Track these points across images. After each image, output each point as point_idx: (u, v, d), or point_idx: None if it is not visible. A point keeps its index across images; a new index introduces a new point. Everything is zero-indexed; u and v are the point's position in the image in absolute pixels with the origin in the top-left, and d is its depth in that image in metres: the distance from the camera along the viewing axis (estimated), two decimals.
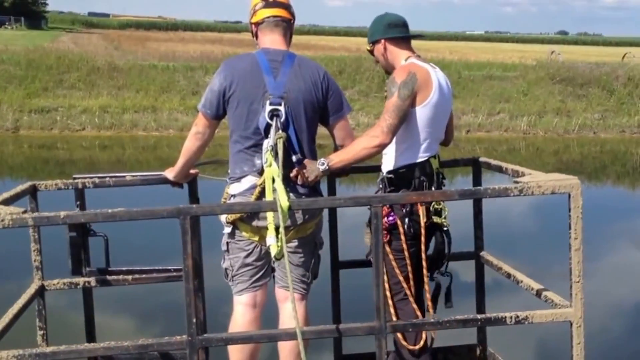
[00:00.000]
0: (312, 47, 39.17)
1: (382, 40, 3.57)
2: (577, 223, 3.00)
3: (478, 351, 4.12)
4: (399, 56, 3.57)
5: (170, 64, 22.34)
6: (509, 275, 3.66)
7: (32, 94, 19.28)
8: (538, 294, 3.35)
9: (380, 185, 3.57)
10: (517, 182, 3.06)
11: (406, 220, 3.43)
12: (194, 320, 2.83)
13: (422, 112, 3.43)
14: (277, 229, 3.04)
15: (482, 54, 37.66)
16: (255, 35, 3.61)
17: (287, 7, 3.58)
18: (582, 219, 3.01)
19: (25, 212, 2.81)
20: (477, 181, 3.97)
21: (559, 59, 28.04)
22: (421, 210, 3.44)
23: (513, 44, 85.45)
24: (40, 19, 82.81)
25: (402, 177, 3.48)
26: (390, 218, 3.43)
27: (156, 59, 24.28)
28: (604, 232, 9.03)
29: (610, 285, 7.22)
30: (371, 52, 3.71)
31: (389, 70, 3.65)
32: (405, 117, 3.37)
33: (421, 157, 3.48)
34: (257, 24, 3.56)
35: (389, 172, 3.51)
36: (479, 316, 3.51)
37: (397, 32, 3.60)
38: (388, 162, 3.53)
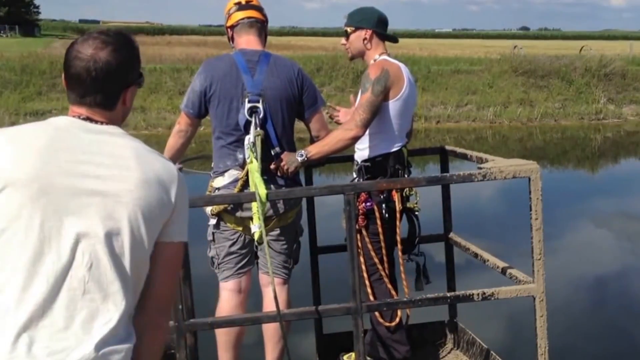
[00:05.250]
0: (291, 47, 39.04)
1: (370, 31, 3.54)
2: (537, 204, 3.02)
3: (449, 326, 4.14)
4: (376, 50, 3.56)
5: (157, 66, 22.15)
6: (476, 255, 3.68)
7: (26, 98, 19.07)
8: (503, 271, 3.37)
9: (357, 174, 3.57)
10: (480, 168, 3.07)
11: (383, 205, 3.45)
12: (180, 306, 2.81)
13: (395, 106, 3.44)
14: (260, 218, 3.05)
15: (450, 50, 37.77)
16: (232, 39, 3.59)
17: (259, 9, 3.57)
18: (541, 201, 3.03)
19: None
20: (444, 168, 3.99)
21: (522, 53, 28.11)
22: (397, 197, 3.46)
23: (479, 40, 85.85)
24: (34, 26, 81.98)
25: (378, 166, 3.49)
26: (368, 204, 3.45)
27: (144, 62, 23.69)
28: (566, 213, 9.10)
29: (571, 261, 7.28)
30: (347, 33, 3.59)
31: (356, 55, 3.63)
32: (378, 111, 3.38)
33: (395, 146, 3.50)
34: (233, 27, 3.55)
35: (365, 161, 3.52)
36: (448, 294, 3.53)
37: (384, 29, 3.60)
38: (364, 151, 3.54)
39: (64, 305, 1.56)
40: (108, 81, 1.73)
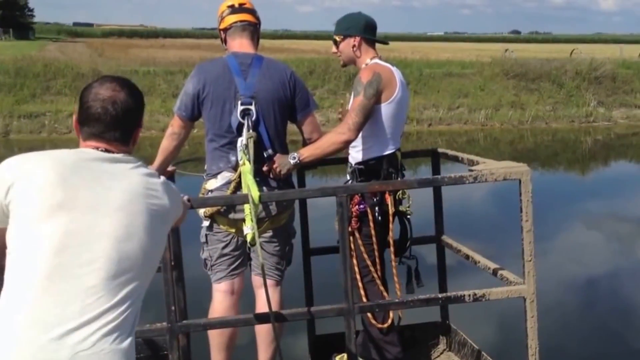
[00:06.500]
0: (284, 50, 38.99)
1: (358, 37, 3.54)
2: (527, 206, 3.03)
3: (441, 328, 4.15)
4: (367, 55, 3.56)
5: (151, 69, 22.10)
6: (467, 257, 3.69)
7: (20, 101, 19.00)
8: (494, 273, 3.38)
9: (351, 176, 3.57)
10: (472, 171, 3.08)
11: (376, 208, 3.45)
12: (173, 308, 2.81)
13: (388, 109, 3.44)
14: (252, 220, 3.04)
15: (442, 53, 37.79)
16: (225, 41, 3.60)
17: (252, 12, 3.57)
18: (532, 203, 3.04)
19: None
20: (435, 170, 3.99)
21: (513, 56, 28.21)
22: (389, 200, 3.46)
23: (470, 44, 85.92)
24: (28, 30, 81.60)
25: (371, 169, 3.49)
26: (361, 206, 3.45)
27: (138, 65, 23.94)
28: (556, 215, 9.13)
29: (561, 263, 7.30)
30: (337, 41, 3.60)
31: (348, 62, 3.64)
32: (370, 114, 3.39)
33: (388, 150, 3.50)
34: (226, 30, 3.55)
35: (358, 164, 3.52)
36: (440, 295, 3.53)
37: (372, 34, 3.59)
38: (357, 154, 3.53)
39: (81, 298, 1.72)
40: (126, 119, 1.95)
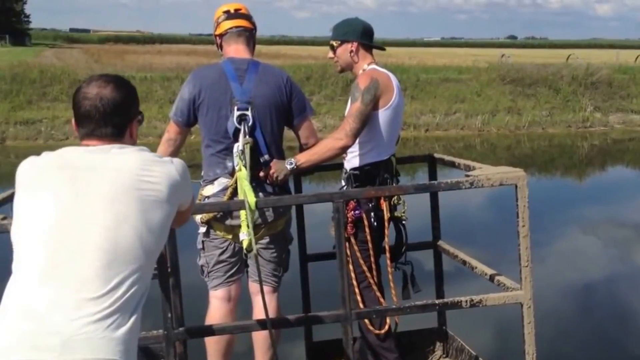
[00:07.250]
0: (281, 56, 38.98)
1: (355, 42, 3.54)
2: (523, 212, 3.03)
3: (438, 334, 4.14)
4: (364, 60, 3.56)
5: (147, 75, 22.09)
6: (464, 263, 3.69)
7: (17, 107, 18.95)
8: (491, 278, 3.38)
9: (346, 182, 3.57)
10: (468, 176, 3.08)
11: (371, 214, 3.45)
12: (170, 315, 2.80)
13: (385, 114, 3.44)
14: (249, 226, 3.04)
15: (439, 59, 37.82)
16: (220, 47, 3.60)
17: (248, 18, 3.57)
18: (528, 208, 3.04)
19: (4, 218, 2.77)
20: (432, 176, 3.99)
21: (509, 62, 28.27)
22: (385, 205, 3.46)
23: (467, 49, 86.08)
24: (24, 36, 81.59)
25: (367, 174, 3.49)
26: (357, 212, 3.44)
27: (134, 71, 23.93)
28: (553, 220, 9.13)
29: (558, 268, 7.30)
30: (334, 47, 3.60)
31: (345, 68, 3.63)
32: (368, 120, 3.39)
33: (384, 155, 3.51)
34: (222, 36, 3.56)
35: (354, 169, 3.52)
36: (436, 301, 3.53)
37: (369, 39, 3.60)
38: (353, 160, 3.53)
39: (75, 287, 1.75)
40: (115, 114, 1.97)
